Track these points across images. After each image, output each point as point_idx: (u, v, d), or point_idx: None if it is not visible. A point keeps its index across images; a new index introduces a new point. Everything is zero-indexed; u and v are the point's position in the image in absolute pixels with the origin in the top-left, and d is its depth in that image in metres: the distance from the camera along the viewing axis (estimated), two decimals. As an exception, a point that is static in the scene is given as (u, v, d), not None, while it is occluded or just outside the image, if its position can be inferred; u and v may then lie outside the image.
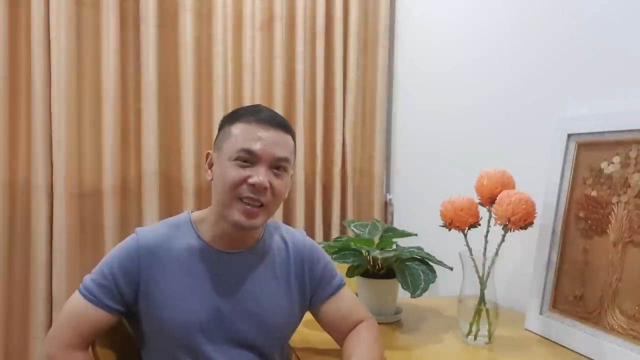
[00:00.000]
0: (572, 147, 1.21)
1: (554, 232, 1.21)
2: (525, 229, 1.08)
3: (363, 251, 1.28)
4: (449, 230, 1.17)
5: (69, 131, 1.81)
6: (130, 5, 1.90)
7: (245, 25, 2.01)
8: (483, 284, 1.13)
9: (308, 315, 1.09)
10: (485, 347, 1.13)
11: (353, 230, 1.43)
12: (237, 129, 0.94)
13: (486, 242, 1.14)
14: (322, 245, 1.21)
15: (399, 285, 1.23)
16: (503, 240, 1.10)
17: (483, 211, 1.16)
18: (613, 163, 1.10)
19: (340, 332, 1.05)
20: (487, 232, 1.14)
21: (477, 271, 1.13)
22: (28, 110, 1.80)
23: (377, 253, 1.21)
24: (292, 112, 2.09)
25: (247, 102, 2.01)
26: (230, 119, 0.98)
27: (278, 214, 2.04)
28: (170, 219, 1.04)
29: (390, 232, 1.38)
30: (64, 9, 1.78)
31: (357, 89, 2.19)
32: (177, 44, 1.94)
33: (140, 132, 1.92)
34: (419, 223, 1.80)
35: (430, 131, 1.93)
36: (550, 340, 1.16)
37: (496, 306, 1.14)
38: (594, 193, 1.13)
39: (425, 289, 1.18)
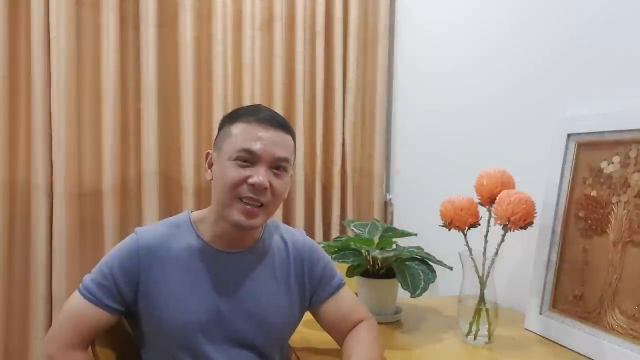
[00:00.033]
0: (572, 147, 1.21)
1: (554, 232, 1.21)
2: (525, 229, 1.08)
3: (363, 251, 1.28)
4: (449, 230, 1.17)
5: (69, 131, 1.81)
6: (130, 5, 1.90)
7: (245, 25, 2.01)
8: (483, 284, 1.13)
9: (308, 315, 1.09)
10: (485, 347, 1.13)
11: (353, 230, 1.43)
12: (238, 129, 0.94)
13: (486, 242, 1.14)
14: (322, 245, 1.21)
15: (399, 285, 1.23)
16: (503, 240, 1.10)
17: (483, 211, 1.16)
18: (613, 163, 1.10)
19: (340, 332, 1.05)
20: (487, 232, 1.14)
21: (477, 271, 1.13)
22: (28, 110, 1.80)
23: (377, 253, 1.21)
24: (292, 112, 2.09)
25: (247, 102, 2.01)
26: (231, 119, 0.98)
27: (278, 214, 2.04)
28: (170, 219, 1.04)
29: (390, 232, 1.38)
30: (64, 9, 1.78)
31: (357, 89, 2.19)
32: (177, 44, 1.94)
33: (140, 132, 1.92)
34: (419, 223, 1.80)
35: (430, 131, 1.93)
36: (550, 340, 1.16)
37: (496, 306, 1.14)
38: (594, 193, 1.13)
39: (425, 289, 1.18)
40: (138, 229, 1.00)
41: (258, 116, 0.95)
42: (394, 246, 1.35)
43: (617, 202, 1.07)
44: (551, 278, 1.20)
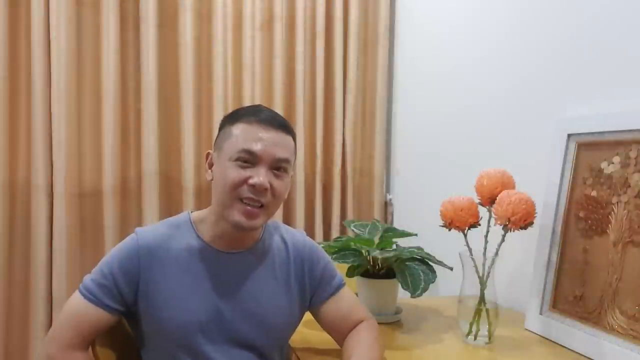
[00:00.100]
0: (572, 147, 1.21)
1: (554, 232, 1.21)
2: (525, 229, 1.08)
3: (363, 251, 1.28)
4: (449, 230, 1.17)
5: (69, 131, 1.81)
6: (130, 5, 1.90)
7: (245, 25, 2.01)
8: (483, 284, 1.13)
9: (308, 315, 1.09)
10: (485, 347, 1.13)
11: (353, 230, 1.43)
12: (238, 129, 0.94)
13: (486, 242, 1.14)
14: (322, 245, 1.21)
15: (399, 285, 1.23)
16: (503, 240, 1.10)
17: (483, 211, 1.16)
18: (613, 163, 1.10)
19: (340, 332, 1.05)
20: (487, 232, 1.14)
21: (477, 271, 1.13)
22: (28, 110, 1.80)
23: (377, 253, 1.21)
24: (292, 112, 2.09)
25: (247, 102, 2.01)
26: (231, 119, 0.98)
27: (278, 214, 2.04)
28: (170, 219, 1.04)
29: (390, 232, 1.38)
30: (64, 9, 1.78)
31: (357, 89, 2.19)
32: (177, 44, 1.94)
33: (140, 132, 1.92)
34: (419, 223, 1.80)
35: (430, 131, 1.93)
36: (550, 340, 1.16)
37: (496, 306, 1.14)
38: (594, 193, 1.13)
39: (425, 289, 1.18)
40: (138, 229, 1.00)
41: (258, 116, 0.95)
42: (394, 246, 1.35)
43: (617, 202, 1.07)
44: (551, 278, 1.20)
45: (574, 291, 1.14)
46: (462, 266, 1.16)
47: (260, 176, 0.91)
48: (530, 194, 1.09)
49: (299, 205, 2.10)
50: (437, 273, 1.23)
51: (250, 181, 0.91)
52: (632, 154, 1.06)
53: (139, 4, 1.89)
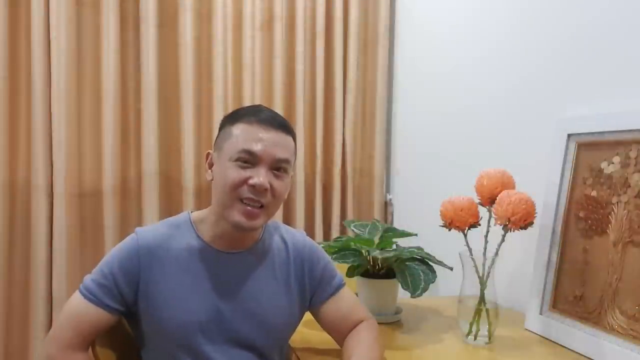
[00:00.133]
0: (572, 147, 1.21)
1: (554, 232, 1.21)
2: (525, 229, 1.08)
3: (363, 251, 1.28)
4: (449, 230, 1.17)
5: (69, 131, 1.81)
6: (130, 5, 1.90)
7: (245, 25, 2.01)
8: (483, 284, 1.13)
9: (308, 315, 1.09)
10: (485, 347, 1.13)
11: (353, 230, 1.43)
12: (238, 130, 0.94)
13: (486, 242, 1.14)
14: (322, 245, 1.21)
15: (399, 285, 1.23)
16: (503, 240, 1.10)
17: (483, 211, 1.16)
18: (613, 163, 1.10)
19: (340, 332, 1.05)
20: (487, 232, 1.14)
21: (477, 271, 1.13)
22: (28, 110, 1.80)
23: (377, 253, 1.21)
24: (292, 112, 2.09)
25: (247, 102, 2.01)
26: (231, 119, 0.98)
27: (278, 214, 2.04)
28: (170, 218, 1.04)
29: (390, 232, 1.38)
30: (64, 9, 1.78)
31: (357, 89, 2.19)
32: (177, 44, 1.94)
33: (140, 132, 1.92)
34: (419, 223, 1.80)
35: (430, 131, 1.93)
36: (550, 340, 1.16)
37: (496, 306, 1.14)
38: (594, 193, 1.13)
39: (425, 289, 1.18)
40: (138, 229, 1.00)
41: (259, 116, 0.95)
42: (394, 246, 1.35)
43: (617, 202, 1.07)
44: (551, 278, 1.20)
45: (574, 291, 1.14)
46: (462, 266, 1.16)
47: (260, 176, 0.91)
48: (530, 194, 1.09)
49: (299, 205, 2.10)
50: (437, 273, 1.23)
51: (250, 181, 0.91)
52: (632, 154, 1.06)
53: (139, 4, 1.89)
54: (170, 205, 1.97)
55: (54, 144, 1.80)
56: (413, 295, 1.16)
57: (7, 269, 1.79)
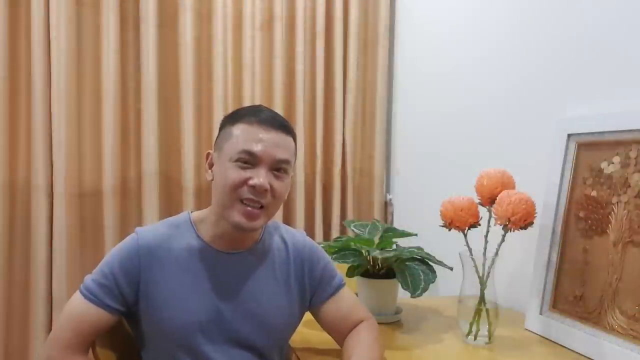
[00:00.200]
0: (572, 147, 1.21)
1: (554, 232, 1.21)
2: (525, 229, 1.08)
3: (363, 251, 1.28)
4: (449, 230, 1.17)
5: (69, 131, 1.81)
6: (130, 5, 1.90)
7: (245, 25, 2.01)
8: (483, 284, 1.13)
9: (308, 315, 1.09)
10: (485, 347, 1.13)
11: (353, 230, 1.43)
12: (238, 130, 0.94)
13: (486, 242, 1.14)
14: (322, 245, 1.21)
15: (399, 285, 1.23)
16: (503, 240, 1.10)
17: (483, 211, 1.16)
18: (613, 163, 1.10)
19: (340, 332, 1.05)
20: (487, 232, 1.14)
21: (477, 271, 1.13)
22: (28, 110, 1.80)
23: (377, 253, 1.21)
24: (292, 112, 2.09)
25: (247, 102, 2.01)
26: (232, 119, 0.97)
27: (278, 214, 2.04)
28: (170, 218, 1.04)
29: (390, 232, 1.38)
30: (64, 9, 1.78)
31: (357, 89, 2.19)
32: (177, 44, 1.94)
33: (140, 132, 1.92)
34: (419, 223, 1.80)
35: (430, 131, 1.93)
36: (550, 340, 1.16)
37: (496, 306, 1.14)
38: (594, 193, 1.13)
39: (425, 289, 1.18)
40: (138, 229, 1.00)
41: (259, 117, 0.95)
42: (394, 246, 1.35)
43: (617, 202, 1.07)
44: (551, 278, 1.20)
45: (574, 291, 1.14)
46: (462, 266, 1.16)
47: (260, 177, 0.91)
48: (530, 194, 1.09)
49: (299, 205, 2.10)
50: (437, 273, 1.23)
51: (251, 182, 0.91)
52: (632, 154, 1.06)
53: (139, 4, 1.89)
54: (170, 205, 1.97)
55: (54, 144, 1.80)
56: (413, 295, 1.16)
57: (7, 269, 1.79)
